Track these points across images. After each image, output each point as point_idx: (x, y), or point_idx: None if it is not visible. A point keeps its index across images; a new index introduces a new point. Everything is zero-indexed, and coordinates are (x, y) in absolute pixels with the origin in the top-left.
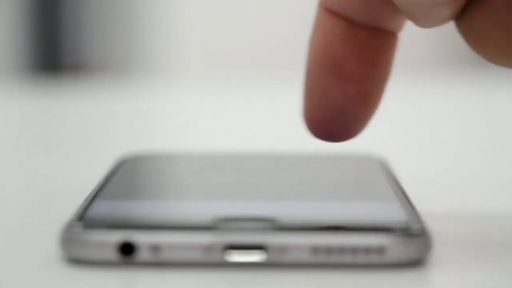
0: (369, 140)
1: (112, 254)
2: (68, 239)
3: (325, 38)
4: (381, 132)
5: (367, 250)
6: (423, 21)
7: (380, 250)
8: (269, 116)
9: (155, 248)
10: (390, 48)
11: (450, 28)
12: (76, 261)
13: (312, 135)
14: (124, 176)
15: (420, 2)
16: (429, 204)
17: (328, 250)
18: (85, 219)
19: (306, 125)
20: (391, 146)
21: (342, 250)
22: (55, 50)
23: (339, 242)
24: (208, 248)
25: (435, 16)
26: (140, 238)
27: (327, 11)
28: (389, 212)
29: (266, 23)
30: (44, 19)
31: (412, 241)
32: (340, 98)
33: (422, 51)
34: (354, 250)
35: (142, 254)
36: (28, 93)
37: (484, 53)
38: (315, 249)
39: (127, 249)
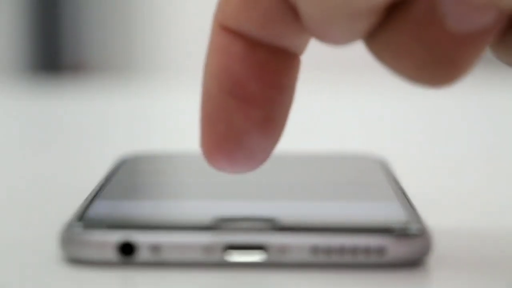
0: (369, 140)
1: (112, 254)
2: (68, 239)
3: (223, 58)
4: (381, 132)
5: (367, 250)
6: (334, 37)
7: (380, 250)
8: None
9: (155, 248)
10: (292, 70)
11: None
12: (76, 261)
13: (211, 164)
14: (124, 176)
15: (338, 10)
16: (429, 204)
17: (328, 250)
18: (85, 219)
19: (204, 154)
20: (391, 146)
21: (342, 250)
22: (55, 50)
23: (339, 242)
24: (208, 248)
25: (350, 30)
26: (140, 238)
27: (224, 29)
28: (389, 212)
29: None
30: (44, 19)
31: (412, 241)
32: (243, 123)
33: None
34: (354, 250)
35: (142, 254)
36: (28, 93)
37: (404, 73)
38: (315, 249)
39: (127, 249)
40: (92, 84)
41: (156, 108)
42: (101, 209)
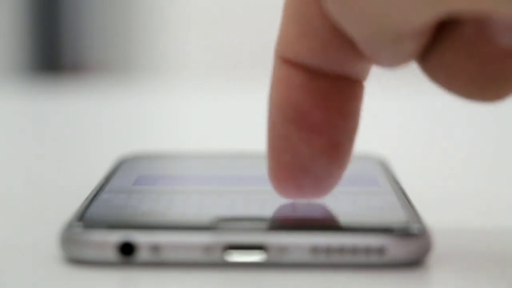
0: (369, 140)
1: (112, 254)
2: (68, 239)
3: (285, 90)
4: (381, 132)
5: (367, 250)
6: (386, 60)
7: (380, 250)
8: None
9: (155, 248)
10: (355, 96)
11: None
12: (76, 261)
13: (279, 193)
14: (124, 176)
15: (382, 35)
16: (429, 204)
17: (328, 250)
18: (85, 219)
19: (272, 183)
20: (391, 146)
21: (342, 250)
22: (55, 50)
23: (339, 242)
24: (208, 248)
25: (399, 53)
26: (140, 238)
27: (284, 60)
28: (389, 212)
29: (267, 24)
30: (44, 19)
31: (412, 241)
32: (308, 152)
33: None
34: (354, 250)
35: (142, 254)
36: (28, 93)
37: (457, 90)
38: (315, 249)
39: (127, 249)
40: (92, 84)
41: (156, 108)
42: (101, 209)
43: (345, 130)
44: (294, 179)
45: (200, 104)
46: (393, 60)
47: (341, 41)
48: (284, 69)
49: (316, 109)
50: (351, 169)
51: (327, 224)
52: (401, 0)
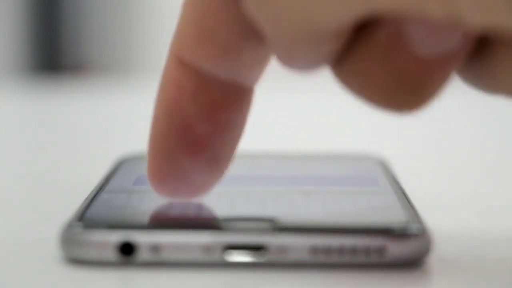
0: (369, 140)
1: (112, 254)
2: (68, 239)
3: (175, 95)
4: (381, 132)
5: (367, 250)
6: (299, 63)
7: (380, 250)
8: (269, 116)
9: (155, 248)
10: (245, 105)
11: None
12: (76, 261)
13: (156, 192)
14: (124, 176)
15: (300, 33)
16: (429, 204)
17: (328, 250)
18: (85, 219)
19: (150, 183)
20: (391, 146)
21: (342, 250)
22: (55, 50)
23: (339, 242)
24: (208, 248)
25: (314, 55)
26: (140, 238)
27: (179, 62)
28: (389, 212)
29: None
30: (44, 19)
31: (412, 241)
32: (188, 164)
33: None
34: (354, 250)
35: (142, 254)
36: (28, 93)
37: (371, 99)
38: (315, 249)
39: (127, 249)
40: (92, 84)
41: None
42: (101, 209)
43: (227, 144)
44: (171, 185)
45: None
46: (306, 63)
47: (241, 47)
48: (177, 72)
49: (203, 121)
50: (351, 169)
51: (327, 224)
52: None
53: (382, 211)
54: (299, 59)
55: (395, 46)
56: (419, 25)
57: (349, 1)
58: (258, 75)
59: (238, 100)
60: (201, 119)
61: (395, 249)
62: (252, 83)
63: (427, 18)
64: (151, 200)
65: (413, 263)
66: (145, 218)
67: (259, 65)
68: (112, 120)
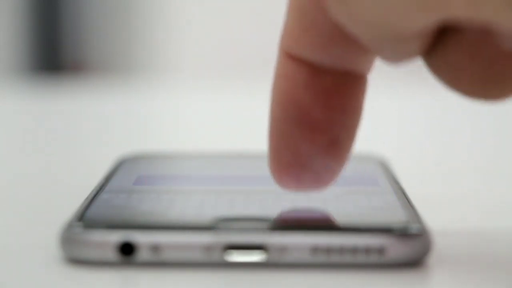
0: (369, 140)
1: (112, 254)
2: (68, 239)
3: (288, 86)
4: (381, 132)
5: (367, 250)
6: (390, 57)
7: (380, 250)
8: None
9: (155, 248)
10: (359, 92)
11: None
12: (76, 261)
13: (280, 185)
14: (124, 176)
15: (384, 37)
16: (429, 204)
17: (328, 250)
18: (85, 219)
19: (273, 176)
20: (391, 146)
21: (342, 250)
22: (55, 50)
23: (339, 242)
24: (208, 248)
25: (402, 51)
26: (140, 238)
27: (289, 56)
28: (389, 212)
29: (265, 24)
30: (44, 19)
31: (412, 241)
32: (308, 150)
33: None
34: (354, 250)
35: (142, 254)
36: (28, 93)
37: (460, 89)
38: (315, 249)
39: (127, 249)
40: (92, 84)
41: (156, 108)
42: (101, 209)
43: (346, 127)
44: (294, 174)
45: (200, 104)
46: (397, 57)
47: (344, 36)
48: (287, 65)
49: (318, 107)
50: (351, 169)
51: (327, 224)
52: (398, 9)
53: (382, 211)
54: (389, 55)
55: (482, 41)
56: (501, 28)
57: (424, 10)
58: (368, 63)
59: (351, 87)
60: (316, 105)
61: (395, 249)
62: (363, 70)
63: (503, 29)
64: (151, 200)
65: (413, 263)
66: (145, 218)
67: (365, 53)
68: (112, 120)
